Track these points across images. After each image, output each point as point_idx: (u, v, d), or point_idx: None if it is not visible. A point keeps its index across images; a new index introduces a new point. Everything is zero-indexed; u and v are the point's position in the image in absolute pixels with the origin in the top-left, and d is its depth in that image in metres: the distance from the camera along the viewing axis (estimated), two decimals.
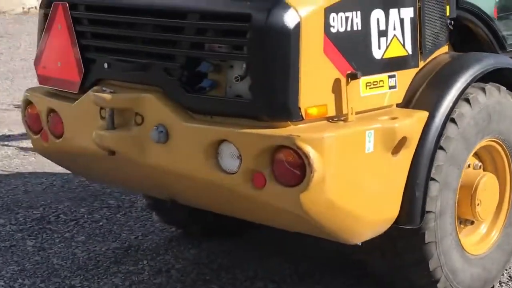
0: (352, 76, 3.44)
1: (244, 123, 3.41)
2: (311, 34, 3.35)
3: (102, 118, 3.76)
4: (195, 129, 3.50)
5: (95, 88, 3.78)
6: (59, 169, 6.92)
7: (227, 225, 4.96)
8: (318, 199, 3.33)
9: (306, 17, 3.33)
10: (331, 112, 3.45)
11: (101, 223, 5.49)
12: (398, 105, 3.75)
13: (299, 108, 3.34)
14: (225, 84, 3.52)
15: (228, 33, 3.43)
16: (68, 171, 6.61)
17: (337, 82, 3.44)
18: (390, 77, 3.68)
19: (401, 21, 3.71)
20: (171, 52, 3.58)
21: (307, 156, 3.24)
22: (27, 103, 4.20)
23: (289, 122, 3.36)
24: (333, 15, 3.41)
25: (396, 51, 3.70)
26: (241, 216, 3.81)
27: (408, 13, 3.73)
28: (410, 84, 3.79)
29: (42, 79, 4.10)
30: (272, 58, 3.32)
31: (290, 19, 3.30)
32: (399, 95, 3.74)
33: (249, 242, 5.12)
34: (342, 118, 3.46)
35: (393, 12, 3.66)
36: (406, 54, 3.75)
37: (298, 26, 3.31)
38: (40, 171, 6.80)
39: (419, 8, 3.79)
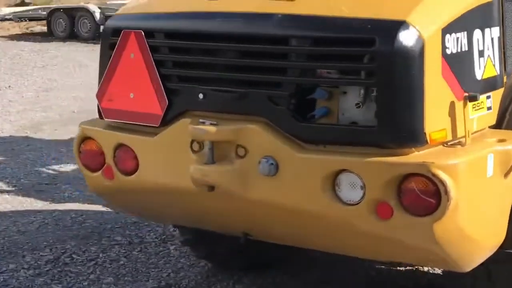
0: (470, 99, 3.37)
1: (362, 151, 3.26)
2: (433, 56, 3.26)
3: (194, 151, 3.52)
4: (310, 160, 3.32)
5: (187, 120, 3.54)
6: (40, 206, 6.59)
7: (268, 256, 4.80)
8: (450, 228, 3.22)
9: (428, 39, 3.23)
10: (449, 136, 3.35)
11: (121, 262, 5.17)
12: (490, 127, 3.70)
13: (425, 133, 3.23)
14: (337, 111, 3.38)
15: (345, 58, 3.28)
16: (62, 208, 6.36)
17: (452, 105, 3.35)
18: (487, 98, 3.63)
19: (492, 40, 3.66)
20: (278, 80, 3.40)
21: (443, 184, 3.12)
22: (83, 138, 3.90)
23: (413, 149, 3.25)
24: (447, 36, 3.32)
25: (490, 71, 3.65)
26: (343, 250, 3.65)
27: (496, 32, 3.68)
28: (499, 105, 3.75)
29: (108, 112, 3.80)
30: (398, 83, 3.19)
31: (415, 41, 3.19)
32: (493, 116, 3.69)
33: (288, 272, 4.96)
34: (458, 142, 3.37)
35: (487, 32, 3.61)
36: (496, 74, 3.70)
37: (422, 48, 3.21)
38: (22, 209, 6.38)
39: (503, 26, 3.76)
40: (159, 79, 3.61)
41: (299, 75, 3.36)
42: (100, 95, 3.81)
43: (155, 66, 3.61)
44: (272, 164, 3.35)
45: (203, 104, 3.54)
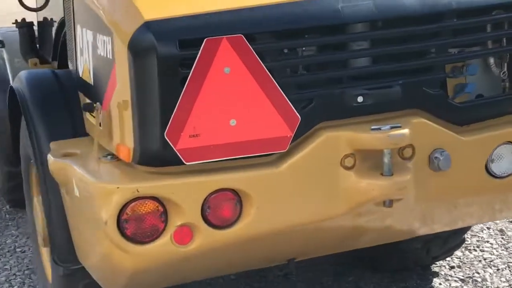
0: None
1: None
2: None
3: (347, 168, 2.82)
4: (474, 141, 3.00)
5: (335, 133, 2.81)
6: None
7: None
8: None
9: None
10: None
11: None
12: None
13: None
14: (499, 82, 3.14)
15: None
16: None
17: None
18: None
19: None
20: (436, 63, 2.95)
21: None
22: (130, 200, 2.74)
23: None
24: None
25: None
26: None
27: None
28: None
29: (191, 153, 2.70)
30: None
31: None
32: None
33: None
34: None
35: None
36: None
37: None
38: None
39: None
40: (281, 92, 2.75)
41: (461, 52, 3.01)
42: (173, 134, 2.69)
43: (271, 77, 2.73)
44: (444, 156, 2.91)
45: (351, 109, 2.85)
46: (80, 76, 3.39)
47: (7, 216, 5.76)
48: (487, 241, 4.80)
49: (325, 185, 2.86)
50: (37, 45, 4.94)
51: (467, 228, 4.28)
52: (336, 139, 2.85)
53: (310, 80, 2.89)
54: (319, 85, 2.88)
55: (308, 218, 2.89)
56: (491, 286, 4.23)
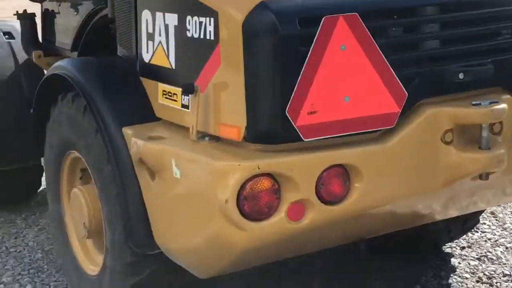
0: None
1: None
2: None
3: (447, 143, 2.94)
4: None
5: (439, 109, 2.92)
6: None
7: None
8: None
9: None
10: None
11: None
12: None
13: None
14: None
15: None
16: None
17: None
18: None
19: None
20: None
21: None
22: (250, 178, 2.76)
23: None
24: None
25: None
26: None
27: None
28: None
29: (310, 130, 2.75)
30: None
31: None
32: None
33: None
34: None
35: None
36: None
37: None
38: None
39: None
40: (391, 68, 2.83)
41: None
42: (293, 111, 2.73)
43: (382, 55, 2.81)
44: None
45: (452, 86, 2.98)
46: (147, 61, 3.37)
47: None
48: (484, 223, 5.04)
49: (428, 159, 2.97)
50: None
51: (483, 210, 4.51)
52: (438, 115, 2.96)
53: (416, 58, 3.00)
54: (424, 62, 2.99)
55: (409, 192, 3.00)
56: (507, 263, 4.46)
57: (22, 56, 5.39)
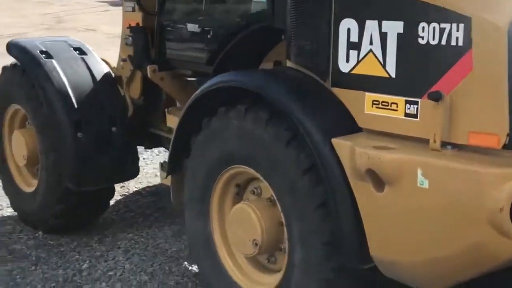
0: None
1: None
2: None
3: None
4: None
5: None
6: None
7: None
8: None
9: None
10: None
11: None
12: None
13: None
14: None
15: None
16: None
17: None
18: None
19: None
20: None
21: None
22: None
23: None
24: None
25: None
26: None
27: None
28: None
29: None
30: None
31: None
32: None
33: None
34: None
35: None
36: None
37: None
38: None
39: None
40: None
41: None
42: None
43: None
44: None
45: None
46: (346, 71, 3.29)
47: (51, 242, 5.30)
48: None
49: None
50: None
51: None
52: None
53: None
54: None
55: None
56: None
57: (97, 71, 5.21)
